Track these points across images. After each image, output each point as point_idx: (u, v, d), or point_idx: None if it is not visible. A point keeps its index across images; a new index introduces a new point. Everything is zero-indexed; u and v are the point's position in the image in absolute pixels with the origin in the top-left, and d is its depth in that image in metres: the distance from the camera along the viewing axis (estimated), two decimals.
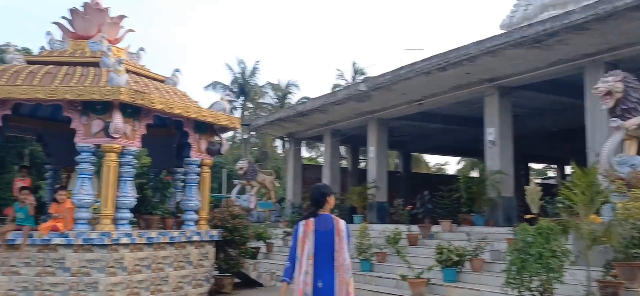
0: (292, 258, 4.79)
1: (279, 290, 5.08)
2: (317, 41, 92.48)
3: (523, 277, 6.97)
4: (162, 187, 11.09)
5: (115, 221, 9.57)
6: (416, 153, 38.49)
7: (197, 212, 11.22)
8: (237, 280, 12.99)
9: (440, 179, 24.41)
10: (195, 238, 10.86)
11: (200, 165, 11.27)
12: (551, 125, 19.46)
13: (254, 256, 15.59)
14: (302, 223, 4.85)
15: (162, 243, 10.18)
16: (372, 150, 19.19)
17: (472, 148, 24.95)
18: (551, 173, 44.09)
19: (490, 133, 14.64)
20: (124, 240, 9.33)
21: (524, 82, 14.34)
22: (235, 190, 21.73)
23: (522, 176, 23.41)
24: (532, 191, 10.99)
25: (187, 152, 11.08)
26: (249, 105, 45.16)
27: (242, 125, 33.96)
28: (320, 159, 36.10)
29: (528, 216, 10.99)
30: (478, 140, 21.15)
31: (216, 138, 11.49)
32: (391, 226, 13.55)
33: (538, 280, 7.02)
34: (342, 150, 30.70)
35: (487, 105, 14.94)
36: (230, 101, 43.60)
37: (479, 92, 15.16)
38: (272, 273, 13.05)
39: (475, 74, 14.30)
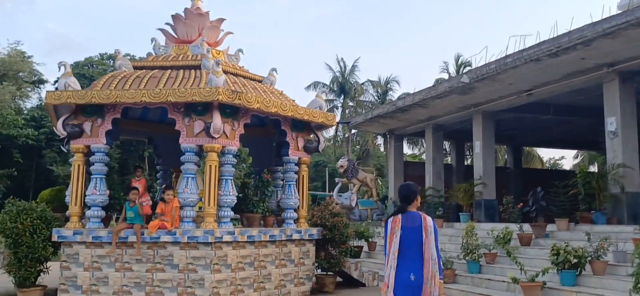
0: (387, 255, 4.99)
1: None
2: (420, 35, 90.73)
3: None
4: (262, 186, 11.20)
5: (218, 219, 9.79)
6: (528, 148, 36.39)
7: (296, 210, 11.22)
8: (339, 279, 12.85)
9: (555, 175, 22.85)
10: (296, 236, 10.87)
11: (298, 163, 11.26)
12: None
13: (356, 255, 15.36)
14: (390, 220, 5.02)
15: (264, 241, 10.28)
16: (477, 145, 18.24)
17: (590, 141, 23.03)
18: None
19: (611, 123, 13.29)
20: (227, 238, 9.52)
21: None
22: (336, 188, 21.69)
23: None
24: None
25: (285, 150, 11.12)
26: (350, 103, 45.16)
27: (342, 123, 33.98)
28: (424, 156, 35.26)
29: None
30: (597, 131, 19.46)
31: (313, 136, 11.43)
32: (500, 225, 12.73)
33: None
34: (446, 145, 29.75)
35: (606, 92, 13.58)
36: (330, 100, 44.10)
37: (596, 78, 13.83)
38: (375, 273, 12.75)
39: (591, 59, 13.05)
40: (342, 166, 21.14)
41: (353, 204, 20.71)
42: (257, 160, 13.34)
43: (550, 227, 12.80)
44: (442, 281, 4.90)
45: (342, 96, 44.90)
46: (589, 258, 9.34)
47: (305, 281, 11.07)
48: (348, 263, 12.22)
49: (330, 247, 11.68)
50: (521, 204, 13.17)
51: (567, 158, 46.51)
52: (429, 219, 4.98)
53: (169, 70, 10.33)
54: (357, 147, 46.06)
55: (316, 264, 11.64)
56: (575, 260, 9.18)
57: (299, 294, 10.87)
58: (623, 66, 13.05)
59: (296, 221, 11.27)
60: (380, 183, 37.07)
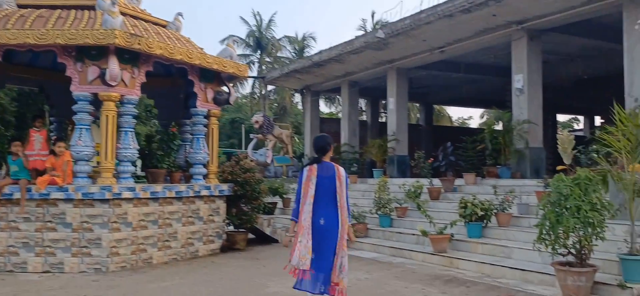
0: (298, 200, 5.35)
1: (289, 229, 5.75)
2: None
3: (557, 233, 6.24)
4: (167, 139, 10.51)
5: (118, 175, 9.07)
6: (439, 107, 37.48)
7: (205, 165, 10.69)
8: (251, 236, 12.53)
9: (464, 132, 23.49)
10: (204, 192, 10.35)
11: (207, 116, 10.67)
12: (581, 73, 18.24)
13: (270, 212, 15.08)
14: (306, 168, 5.36)
15: (169, 198, 9.69)
16: (391, 101, 18.35)
17: (496, 100, 23.90)
18: (577, 126, 42.64)
19: (518, 81, 13.67)
20: (127, 195, 8.84)
21: (555, 24, 13.28)
22: (250, 145, 21.13)
23: (549, 127, 22.38)
24: (565, 140, 10.13)
25: (193, 102, 10.48)
26: (267, 59, 44.24)
27: (257, 78, 33.17)
28: (340, 114, 35.32)
29: (560, 167, 10.16)
30: (503, 90, 20.16)
31: (223, 87, 10.85)
32: (411, 180, 12.86)
33: (575, 236, 6.29)
34: (362, 104, 29.91)
35: (514, 49, 13.92)
36: (246, 55, 42.99)
37: (506, 36, 14.13)
38: (288, 228, 12.54)
39: (502, 16, 13.27)
40: (257, 121, 20.59)
41: (268, 161, 20.30)
42: (164, 113, 12.53)
43: (458, 182, 13.09)
44: (350, 225, 5.50)
45: (259, 51, 43.87)
46: (495, 211, 9.57)
47: (215, 239, 10.64)
48: (261, 219, 11.90)
49: (242, 204, 11.27)
50: (432, 159, 13.35)
51: (474, 118, 48.48)
52: (341, 169, 5.41)
53: (59, 10, 9.29)
54: (275, 104, 45.46)
55: (227, 221, 11.22)
56: (482, 213, 9.36)
57: (208, 252, 10.44)
58: (531, 24, 13.38)
59: (205, 177, 10.75)
60: (297, 140, 36.88)
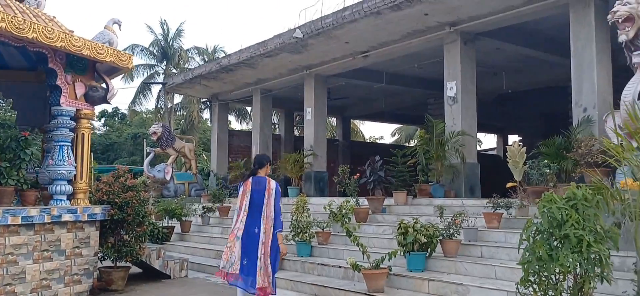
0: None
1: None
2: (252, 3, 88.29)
3: (551, 273, 4.50)
4: (16, 147, 7.85)
5: None
6: (352, 125, 36.20)
7: (71, 181, 8.15)
8: (137, 271, 10.04)
9: (383, 149, 22.21)
10: (67, 217, 7.80)
11: (76, 118, 8.17)
12: (505, 87, 17.31)
13: (164, 238, 12.63)
14: (242, 183, 6.15)
15: (13, 225, 7.10)
16: (309, 111, 16.46)
17: (416, 115, 22.83)
18: (479, 147, 42.81)
19: (451, 88, 12.24)
20: None
21: (491, 27, 12.00)
22: (147, 159, 18.39)
23: None
24: (515, 152, 8.65)
25: (56, 98, 7.97)
26: (173, 70, 41.07)
27: (155, 83, 30.31)
28: (252, 127, 32.92)
29: (510, 184, 8.67)
30: (424, 104, 19.04)
31: (100, 81, 8.41)
32: (337, 200, 10.93)
33: (571, 277, 4.58)
34: (275, 119, 27.91)
35: (447, 54, 12.50)
36: (151, 65, 39.71)
37: (437, 39, 12.72)
38: (184, 260, 10.16)
39: (434, 16, 11.82)
40: (155, 133, 17.95)
41: (167, 177, 17.70)
42: (25, 115, 9.77)
43: (387, 201, 11.39)
44: (280, 232, 6.06)
45: (165, 62, 40.65)
46: (440, 237, 7.82)
47: (83, 279, 8.07)
48: (148, 250, 9.43)
49: (121, 231, 8.78)
50: (358, 174, 11.52)
51: (385, 137, 47.87)
52: (273, 183, 6.12)
53: None
54: (182, 120, 42.28)
55: (102, 254, 8.68)
56: (425, 240, 7.56)
57: None
58: (465, 26, 12.04)
59: (71, 197, 8.21)
60: (205, 157, 34.04)
